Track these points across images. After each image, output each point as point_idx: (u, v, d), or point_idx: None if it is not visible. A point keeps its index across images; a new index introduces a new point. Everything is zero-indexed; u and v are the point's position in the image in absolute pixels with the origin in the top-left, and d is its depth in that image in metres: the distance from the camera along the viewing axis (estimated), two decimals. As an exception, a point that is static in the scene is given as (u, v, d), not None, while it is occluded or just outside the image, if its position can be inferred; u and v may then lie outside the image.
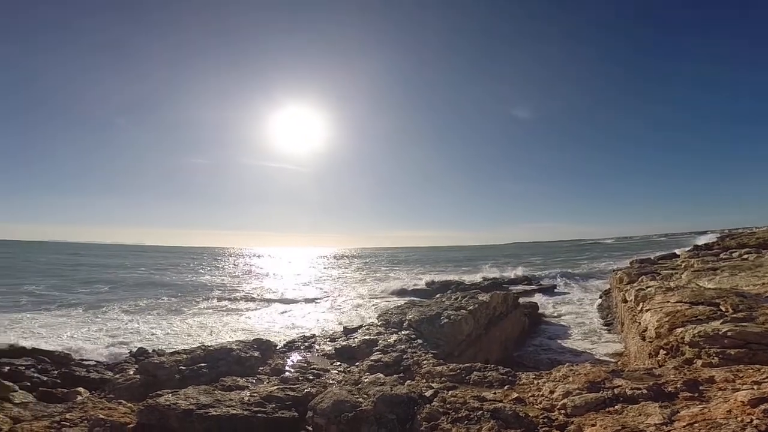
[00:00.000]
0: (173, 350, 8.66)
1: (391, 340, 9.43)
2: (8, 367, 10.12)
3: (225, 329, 18.08)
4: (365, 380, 5.98)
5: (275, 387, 5.48)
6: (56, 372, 11.02)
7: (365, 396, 4.72)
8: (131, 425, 5.03)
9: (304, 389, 5.45)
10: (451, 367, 6.45)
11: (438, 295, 16.25)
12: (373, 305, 25.48)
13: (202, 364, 7.27)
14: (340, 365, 8.68)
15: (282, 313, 23.01)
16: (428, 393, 4.87)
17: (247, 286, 35.69)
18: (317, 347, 10.39)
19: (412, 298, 23.15)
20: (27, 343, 13.17)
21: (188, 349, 8.35)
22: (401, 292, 29.34)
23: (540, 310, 19.60)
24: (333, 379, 7.00)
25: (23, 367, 10.65)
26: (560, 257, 65.40)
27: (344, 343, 9.96)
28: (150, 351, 8.72)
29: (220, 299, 26.77)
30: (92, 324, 17.67)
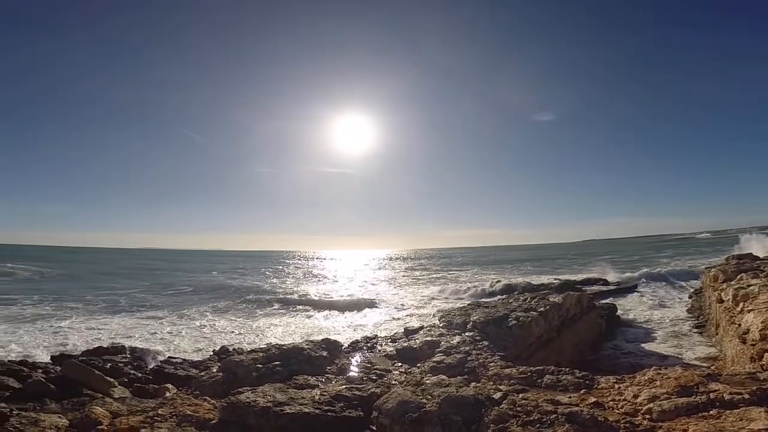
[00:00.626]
0: (250, 349, 9.21)
1: (454, 342, 9.26)
2: (110, 364, 11.35)
3: (293, 329, 18.98)
4: (428, 381, 5.93)
5: (343, 386, 5.61)
6: (148, 369, 12.27)
7: (429, 397, 4.67)
8: (214, 421, 5.35)
9: (369, 389, 5.52)
10: (520, 370, 6.19)
11: (503, 296, 15.67)
12: (433, 306, 25.30)
13: (277, 363, 7.65)
14: (401, 366, 8.67)
15: (344, 313, 23.60)
16: (497, 395, 4.71)
17: (311, 288, 37.07)
18: (379, 348, 10.49)
19: (477, 300, 22.57)
20: (126, 342, 14.80)
21: (263, 347, 8.84)
22: (461, 294, 28.79)
23: (619, 312, 18.17)
24: (395, 380, 7.02)
25: (122, 364, 11.94)
26: (639, 255, 60.03)
27: (405, 344, 9.95)
28: (231, 349, 9.34)
29: (287, 301, 28.09)
30: (178, 324, 19.31)
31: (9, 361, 10.38)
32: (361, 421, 4.99)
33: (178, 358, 13.23)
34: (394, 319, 21.39)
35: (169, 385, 10.38)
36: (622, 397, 4.27)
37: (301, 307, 26.19)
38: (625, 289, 26.62)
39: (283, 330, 18.88)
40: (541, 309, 10.43)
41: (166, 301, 27.40)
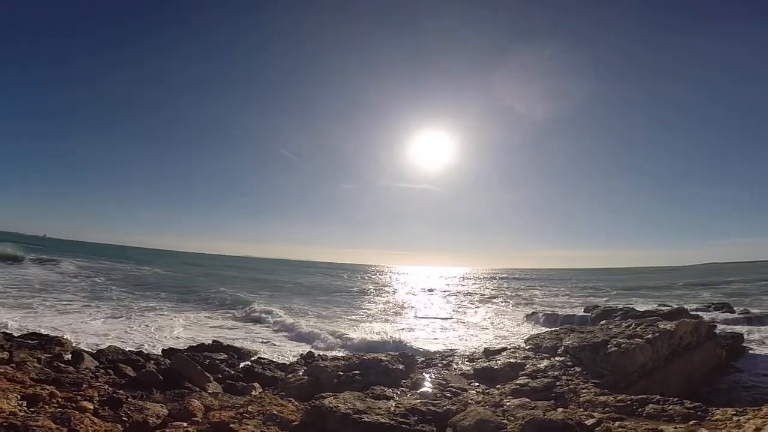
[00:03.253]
0: (333, 356, 9.57)
1: (542, 366, 8.66)
2: (208, 360, 12.51)
3: (371, 336, 19.39)
4: (509, 403, 5.60)
5: (418, 401, 5.56)
6: (239, 367, 13.28)
7: (511, 418, 4.42)
8: (296, 423, 5.58)
9: (444, 406, 5.39)
10: (619, 398, 5.57)
11: (603, 321, 14.28)
12: (517, 329, 24.00)
13: (356, 372, 7.84)
14: (478, 386, 8.34)
15: (423, 328, 23.43)
16: (589, 422, 4.30)
17: (393, 300, 37.53)
18: (455, 366, 10.23)
19: (571, 325, 20.92)
20: (224, 340, 16.30)
21: (345, 356, 9.14)
22: (551, 318, 26.73)
23: (745, 344, 15.45)
24: (472, 399, 6.74)
25: (218, 361, 13.13)
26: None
27: (485, 364, 9.57)
28: (316, 355, 9.81)
29: (369, 312, 28.81)
30: (266, 327, 20.72)
31: (129, 351, 12.03)
32: None
33: (265, 359, 14.17)
34: (472, 337, 20.69)
35: (256, 384, 11.10)
36: (741, 431, 3.61)
37: (382, 318, 26.71)
38: (756, 317, 22.60)
39: (359, 339, 19.47)
40: (649, 336, 9.30)
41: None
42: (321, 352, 14.62)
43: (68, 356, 11.29)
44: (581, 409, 5.30)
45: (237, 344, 16.05)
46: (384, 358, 8.56)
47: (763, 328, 20.16)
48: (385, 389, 6.59)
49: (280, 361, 14.08)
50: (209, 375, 10.46)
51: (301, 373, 8.35)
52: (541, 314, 27.31)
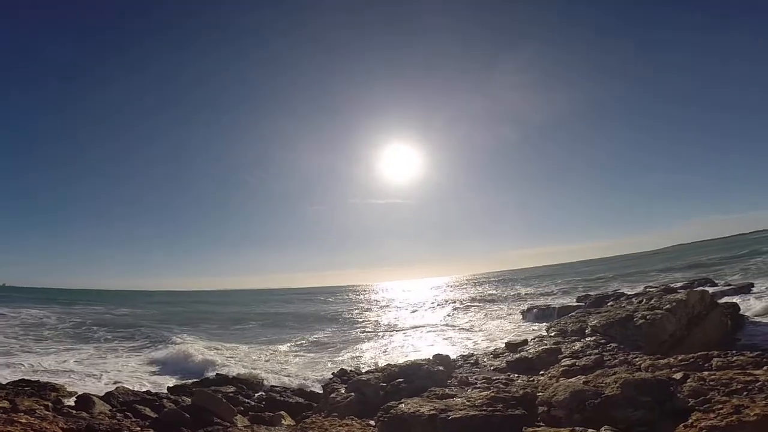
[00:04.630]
0: (366, 370, 9.45)
1: (577, 347, 8.97)
2: (220, 394, 12.01)
3: (390, 351, 19.41)
4: (570, 381, 5.75)
5: (490, 392, 5.59)
6: (255, 396, 12.80)
7: (601, 385, 4.57)
8: None
9: (519, 391, 5.48)
10: (679, 358, 5.88)
11: (610, 303, 14.87)
12: (517, 326, 24.63)
13: (400, 380, 7.79)
14: (518, 376, 8.49)
15: (429, 336, 23.58)
16: (677, 376, 4.54)
17: (388, 315, 37.45)
18: (483, 363, 10.38)
19: (567, 315, 21.74)
20: (229, 372, 15.70)
21: (380, 367, 9.06)
22: (546, 311, 27.36)
23: (741, 312, 16.44)
24: (528, 385, 6.82)
25: (231, 393, 12.66)
26: (745, 252, 53.51)
27: (517, 356, 9.80)
28: (348, 371, 9.63)
29: (371, 328, 28.69)
30: (268, 353, 20.13)
31: (141, 391, 11.37)
32: (524, 418, 4.94)
33: (278, 386, 13.77)
34: (476, 339, 21.05)
35: (283, 413, 10.75)
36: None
37: (386, 332, 26.82)
38: (741, 287, 24.09)
39: (374, 353, 19.38)
40: (667, 306, 9.82)
41: (249, 333, 28.84)
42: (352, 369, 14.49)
43: (69, 401, 10.65)
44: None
45: (241, 375, 15.53)
46: (423, 362, 8.57)
47: (749, 296, 21.52)
48: (444, 389, 6.60)
49: (295, 387, 13.78)
50: (233, 408, 10.12)
51: (343, 392, 8.16)
52: (535, 309, 27.92)
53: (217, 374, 15.36)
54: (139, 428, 7.49)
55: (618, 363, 7.11)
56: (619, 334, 8.98)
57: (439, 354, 9.69)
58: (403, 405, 5.22)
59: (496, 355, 11.06)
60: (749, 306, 18.09)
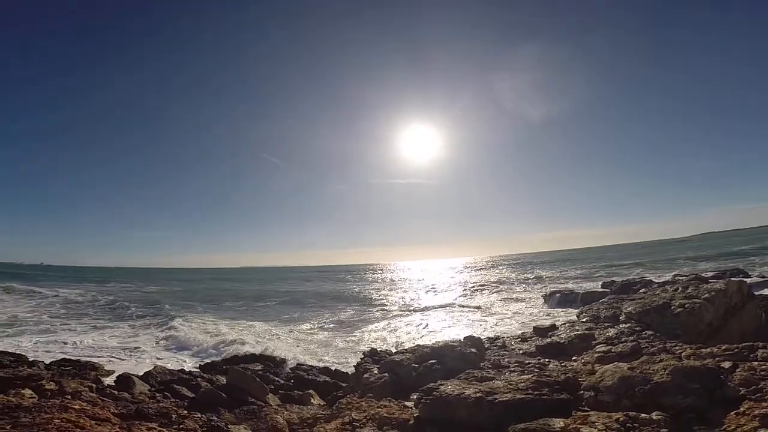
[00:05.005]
0: (397, 350, 9.61)
1: (611, 334, 8.92)
2: (250, 371, 12.38)
3: (411, 332, 19.88)
4: (613, 366, 5.75)
5: (531, 375, 5.62)
6: (283, 374, 13.16)
7: (649, 372, 4.58)
8: (411, 422, 5.31)
9: (561, 376, 5.52)
10: (723, 347, 5.82)
11: (643, 290, 14.66)
12: (540, 310, 24.68)
13: (433, 361, 7.88)
14: (549, 361, 8.51)
15: (449, 316, 23.81)
16: (726, 365, 4.52)
17: (408, 294, 38.00)
18: (511, 346, 10.40)
19: (591, 302, 21.56)
20: (255, 350, 16.20)
21: (411, 348, 9.17)
22: (569, 296, 27.20)
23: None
24: (567, 371, 6.85)
25: (260, 371, 13.03)
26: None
27: (548, 340, 9.78)
28: (379, 351, 9.80)
29: (392, 307, 29.16)
30: (290, 332, 20.67)
31: (176, 369, 11.85)
32: (570, 403, 4.99)
33: (305, 365, 14.14)
34: (504, 321, 21.06)
35: (312, 392, 11.06)
36: None
37: (402, 311, 27.19)
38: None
39: (397, 332, 19.90)
40: (706, 296, 9.65)
41: (272, 311, 29.51)
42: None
43: (107, 380, 11.18)
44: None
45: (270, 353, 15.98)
46: (455, 344, 8.66)
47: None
48: (481, 372, 6.68)
49: (321, 366, 14.12)
50: (266, 386, 10.42)
51: (376, 372, 8.30)
52: (558, 294, 27.75)
53: (245, 353, 15.85)
54: (184, 411, 7.80)
55: (656, 351, 7.06)
56: (655, 321, 8.89)
57: (471, 336, 9.78)
58: (445, 387, 5.28)
59: (524, 339, 11.07)
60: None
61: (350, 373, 10.54)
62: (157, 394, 9.54)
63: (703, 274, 27.95)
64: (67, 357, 13.36)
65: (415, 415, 5.37)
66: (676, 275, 28.27)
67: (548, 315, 22.91)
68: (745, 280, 16.20)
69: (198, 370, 12.56)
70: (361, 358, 9.47)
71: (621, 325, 9.26)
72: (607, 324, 9.66)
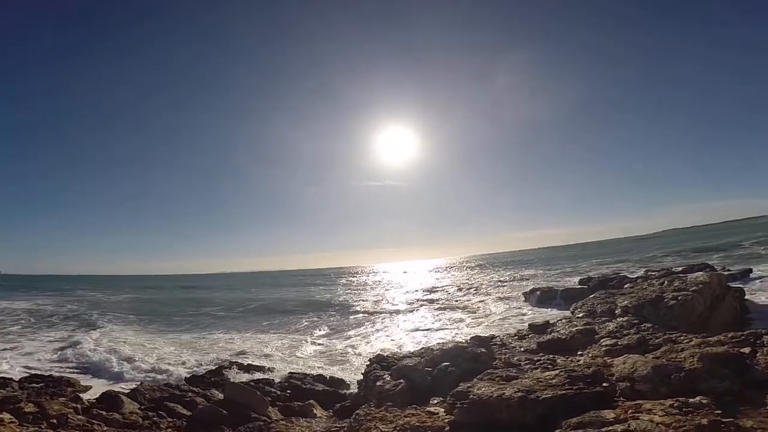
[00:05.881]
0: (403, 354, 9.66)
1: (611, 327, 9.39)
2: (249, 385, 12.03)
3: (400, 334, 20.26)
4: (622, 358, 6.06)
5: (560, 371, 5.80)
6: (277, 384, 12.81)
7: (677, 360, 4.90)
8: (447, 429, 5.24)
9: (588, 369, 5.77)
10: (729, 335, 6.29)
11: (627, 285, 15.45)
12: (522, 307, 25.57)
13: (446, 363, 7.98)
14: (553, 357, 8.83)
15: (436, 318, 24.32)
16: (746, 350, 4.91)
17: (388, 297, 38.13)
18: (509, 344, 10.71)
19: (572, 298, 22.41)
20: (247, 359, 15.81)
21: (419, 351, 9.26)
22: (550, 293, 28.08)
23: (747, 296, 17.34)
24: (590, 364, 7.15)
25: (253, 383, 12.67)
26: (746, 238, 55.09)
27: (549, 336, 10.16)
28: (386, 356, 9.79)
29: (374, 310, 29.33)
30: (286, 339, 20.33)
31: (165, 385, 11.40)
32: (604, 395, 5.18)
33: (298, 373, 13.89)
34: (491, 321, 21.54)
35: (313, 402, 10.84)
36: None
37: (387, 314, 27.46)
38: (741, 273, 25.21)
39: (384, 335, 20.07)
40: (694, 288, 10.34)
41: (256, 318, 28.88)
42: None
43: (86, 396, 10.62)
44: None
45: (257, 363, 15.65)
46: (465, 345, 8.83)
47: (756, 281, 22.56)
48: (505, 370, 6.83)
49: (314, 373, 13.95)
50: (266, 399, 10.14)
51: (388, 378, 8.30)
52: (538, 291, 28.61)
53: (230, 361, 15.47)
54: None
55: (662, 342, 7.50)
56: (651, 314, 9.45)
57: (477, 336, 10.02)
58: (478, 389, 5.37)
59: (520, 336, 11.43)
60: (753, 289, 19.07)
61: (357, 380, 10.46)
62: (150, 413, 9.14)
63: (673, 269, 29.76)
64: (38, 373, 12.60)
65: (450, 420, 5.37)
66: (647, 270, 29.78)
67: (532, 312, 23.66)
68: (723, 273, 17.42)
69: (186, 384, 12.11)
70: (368, 365, 9.44)
71: (618, 319, 9.76)
72: (604, 318, 10.15)
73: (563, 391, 4.78)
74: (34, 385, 10.96)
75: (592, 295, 13.09)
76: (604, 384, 5.28)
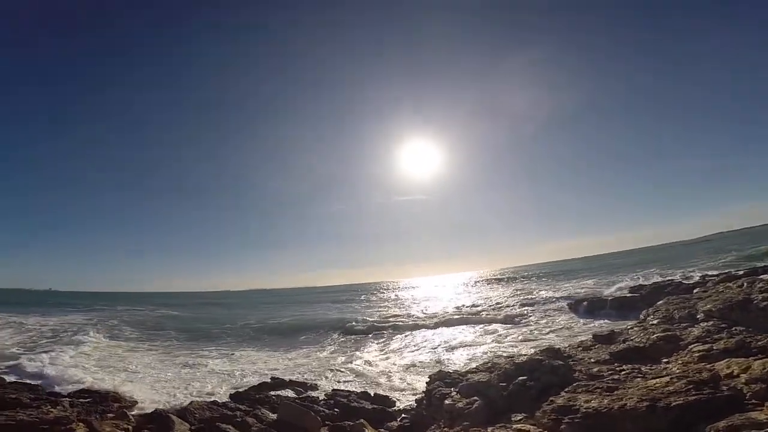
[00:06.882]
0: (466, 370, 9.21)
1: (697, 333, 8.71)
2: (296, 402, 11.67)
3: (440, 350, 19.47)
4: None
5: (670, 377, 5.37)
6: (321, 402, 12.36)
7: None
8: None
9: (702, 374, 5.28)
10: None
11: (696, 289, 14.58)
12: (570, 317, 24.80)
13: (523, 378, 7.51)
14: (637, 366, 8.22)
15: (482, 332, 23.70)
16: None
17: (424, 310, 37.57)
18: (576, 356, 10.08)
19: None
20: (286, 375, 15.57)
21: (481, 367, 8.82)
22: (597, 303, 27.00)
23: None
24: (701, 370, 6.59)
25: (299, 401, 12.26)
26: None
27: (623, 345, 9.55)
28: (449, 372, 9.37)
29: (408, 325, 28.65)
30: (319, 356, 19.93)
31: (211, 403, 11.17)
32: (734, 399, 4.72)
33: (342, 390, 13.53)
34: (546, 333, 20.79)
35: (363, 421, 10.42)
36: None
37: (420, 329, 26.97)
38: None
39: (423, 350, 19.34)
40: (783, 289, 9.54)
41: (297, 335, 28.64)
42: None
43: (133, 412, 10.54)
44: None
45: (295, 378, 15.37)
46: (542, 357, 8.33)
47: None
48: (600, 381, 6.33)
49: (360, 390, 13.53)
50: (319, 419, 9.83)
51: (456, 396, 7.86)
52: (585, 302, 27.57)
53: (273, 377, 15.24)
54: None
55: (766, 344, 6.87)
56: (741, 318, 8.76)
57: (550, 347, 9.48)
58: (586, 401, 5.00)
59: (585, 347, 10.80)
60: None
61: (417, 398, 10.02)
62: (206, 437, 8.91)
63: (733, 272, 28.26)
64: (86, 388, 12.63)
65: None
66: (705, 275, 28.37)
67: (582, 323, 22.73)
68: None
69: (232, 402, 11.87)
70: (429, 382, 9.03)
71: (703, 324, 9.07)
72: (685, 324, 9.47)
73: (694, 397, 4.36)
74: (82, 400, 10.92)
75: (660, 302, 12.33)
76: (724, 388, 4.79)
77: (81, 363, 18.40)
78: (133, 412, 10.67)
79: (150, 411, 10.41)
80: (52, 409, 8.32)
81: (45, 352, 20.21)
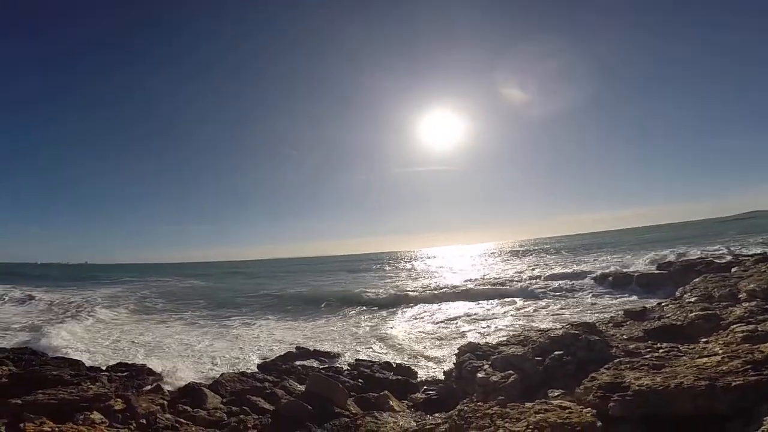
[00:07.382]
0: (497, 342, 9.18)
1: (740, 313, 8.47)
2: (323, 373, 11.80)
3: (461, 322, 19.68)
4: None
5: (723, 356, 5.26)
6: (345, 372, 12.42)
7: None
8: (598, 424, 4.70)
9: (755, 354, 5.12)
10: None
11: (735, 268, 14.16)
12: (593, 292, 24.77)
13: (559, 352, 7.43)
14: (674, 345, 8.07)
15: (499, 305, 23.62)
16: None
17: (444, 281, 37.77)
18: (608, 332, 9.94)
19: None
20: (308, 345, 15.94)
21: (513, 339, 8.78)
22: (623, 279, 26.64)
23: None
24: (751, 350, 6.42)
25: (323, 371, 12.39)
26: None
27: (659, 323, 9.35)
28: (480, 344, 9.34)
29: (429, 296, 29.01)
30: (340, 325, 20.17)
31: (239, 373, 11.50)
32: None
33: (366, 360, 13.72)
34: (552, 310, 20.72)
35: (387, 392, 10.46)
36: None
37: (441, 300, 27.29)
38: None
39: (444, 322, 19.75)
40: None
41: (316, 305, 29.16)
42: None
43: (168, 387, 10.84)
44: None
45: (322, 348, 15.69)
46: (578, 332, 8.22)
47: None
48: (642, 358, 6.23)
49: (382, 360, 13.70)
50: (347, 391, 9.86)
51: (490, 369, 7.83)
52: (610, 277, 27.27)
53: (297, 347, 15.59)
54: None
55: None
56: (788, 298, 8.48)
57: (585, 322, 9.36)
58: (636, 378, 4.90)
59: (616, 324, 10.61)
60: None
61: (446, 370, 10.07)
62: (234, 408, 9.09)
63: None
64: (123, 361, 13.12)
65: (598, 414, 4.80)
66: (738, 255, 27.59)
67: (607, 298, 22.54)
68: None
69: (260, 373, 12.18)
70: (458, 354, 9.01)
71: (745, 304, 8.83)
72: (725, 303, 9.23)
73: (754, 377, 4.29)
74: (119, 374, 11.34)
75: (697, 279, 12.04)
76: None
77: (112, 336, 19.19)
78: (167, 386, 10.96)
79: (182, 384, 10.65)
80: (91, 386, 8.55)
81: (77, 321, 21.13)
